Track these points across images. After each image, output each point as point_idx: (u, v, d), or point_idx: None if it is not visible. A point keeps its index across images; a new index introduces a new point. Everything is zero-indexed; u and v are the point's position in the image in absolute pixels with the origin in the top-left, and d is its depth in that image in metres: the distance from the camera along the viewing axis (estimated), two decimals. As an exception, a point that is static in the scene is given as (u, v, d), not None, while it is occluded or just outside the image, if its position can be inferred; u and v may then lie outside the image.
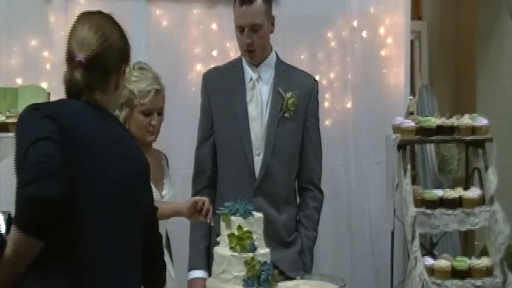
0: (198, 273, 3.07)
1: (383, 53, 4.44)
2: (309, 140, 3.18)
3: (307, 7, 4.26)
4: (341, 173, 4.34)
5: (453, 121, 3.38)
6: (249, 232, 2.55)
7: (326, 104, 4.35)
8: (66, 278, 1.82)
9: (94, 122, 1.96)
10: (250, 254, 2.51)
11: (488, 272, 3.31)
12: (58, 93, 3.84)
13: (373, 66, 4.42)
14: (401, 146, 3.39)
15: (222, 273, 2.55)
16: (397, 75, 4.45)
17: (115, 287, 1.92)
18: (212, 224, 2.77)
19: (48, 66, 3.90)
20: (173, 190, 3.05)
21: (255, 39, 3.04)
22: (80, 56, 1.94)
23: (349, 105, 4.37)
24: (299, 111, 3.12)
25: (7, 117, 3.03)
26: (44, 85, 3.86)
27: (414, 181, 4.50)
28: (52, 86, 3.87)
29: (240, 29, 3.05)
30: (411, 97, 4.75)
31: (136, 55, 3.88)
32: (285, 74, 3.17)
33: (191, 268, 3.11)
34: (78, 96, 1.98)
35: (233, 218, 2.56)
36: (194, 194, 3.11)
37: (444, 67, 5.39)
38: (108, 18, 2.07)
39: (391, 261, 3.52)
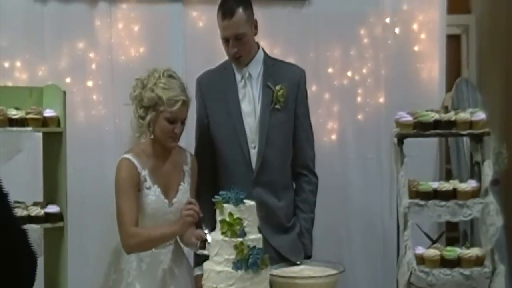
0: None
1: (416, 48, 4.50)
2: (301, 127, 3.33)
3: (339, 5, 4.40)
4: (373, 166, 4.47)
5: (451, 115, 3.45)
6: (239, 218, 2.75)
7: (359, 99, 4.49)
8: None
9: None
10: (240, 239, 2.71)
11: (478, 262, 3.36)
12: (101, 91, 4.24)
13: (406, 61, 4.50)
14: (399, 140, 3.50)
15: (215, 256, 2.77)
16: (431, 70, 4.51)
17: None
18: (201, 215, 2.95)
19: (94, 66, 4.23)
20: (187, 197, 3.08)
21: (240, 47, 3.21)
22: None
23: (381, 100, 4.48)
24: (289, 101, 3.27)
25: (27, 113, 3.29)
26: (90, 83, 4.22)
27: (449, 175, 4.58)
28: (98, 85, 4.25)
29: (225, 40, 3.23)
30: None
31: (173, 56, 4.28)
32: (273, 68, 3.32)
33: (195, 266, 3.24)
34: None
35: (225, 205, 2.76)
36: (196, 190, 3.23)
37: (494, 62, 5.32)
38: None
39: (397, 253, 3.61)
